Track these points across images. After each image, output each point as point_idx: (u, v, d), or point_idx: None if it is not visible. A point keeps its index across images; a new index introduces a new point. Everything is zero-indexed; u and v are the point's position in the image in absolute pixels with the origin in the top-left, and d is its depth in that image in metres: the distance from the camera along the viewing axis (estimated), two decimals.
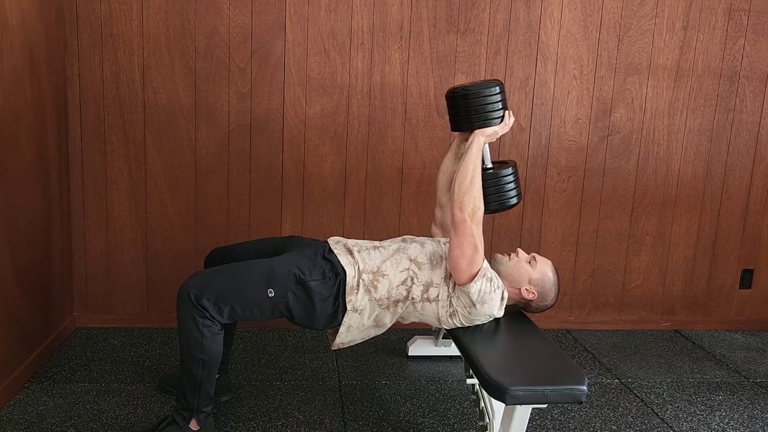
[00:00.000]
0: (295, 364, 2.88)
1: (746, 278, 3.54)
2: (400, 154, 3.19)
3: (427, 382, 2.76)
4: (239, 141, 3.09)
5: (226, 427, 2.33)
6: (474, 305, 2.14)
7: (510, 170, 2.28)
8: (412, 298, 2.20)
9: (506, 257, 2.33)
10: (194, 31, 2.98)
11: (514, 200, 2.29)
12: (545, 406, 2.21)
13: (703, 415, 2.59)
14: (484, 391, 2.20)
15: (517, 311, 2.39)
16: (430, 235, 2.57)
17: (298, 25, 3.03)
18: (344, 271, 2.17)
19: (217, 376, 2.32)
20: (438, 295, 2.20)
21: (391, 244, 2.30)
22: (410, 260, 2.21)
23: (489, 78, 3.17)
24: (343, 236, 3.17)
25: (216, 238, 3.13)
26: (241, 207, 3.15)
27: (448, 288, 2.19)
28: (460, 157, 2.38)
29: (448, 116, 2.34)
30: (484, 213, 2.18)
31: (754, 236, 3.50)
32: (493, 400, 2.07)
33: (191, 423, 2.15)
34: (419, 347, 2.99)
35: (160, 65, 2.99)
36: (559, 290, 2.38)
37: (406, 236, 2.38)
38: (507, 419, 1.99)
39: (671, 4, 3.21)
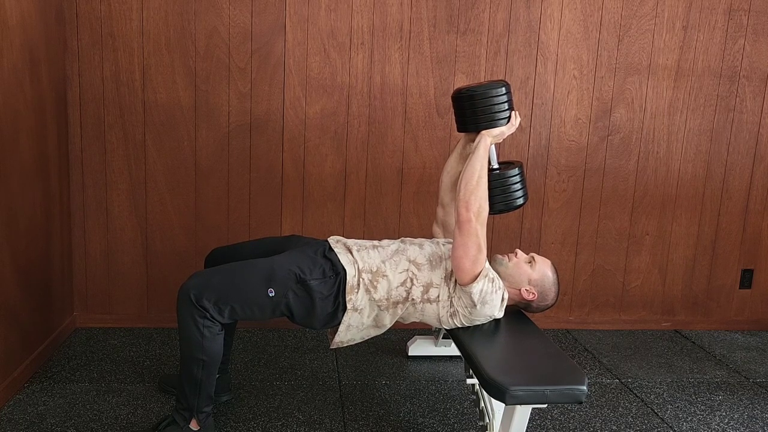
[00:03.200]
0: (295, 364, 2.88)
1: (746, 278, 3.54)
2: (400, 154, 3.19)
3: (427, 382, 2.76)
4: (239, 141, 3.09)
5: (226, 427, 2.33)
6: (475, 305, 2.15)
7: (516, 171, 2.28)
8: (412, 299, 2.20)
9: (506, 258, 2.33)
10: (194, 31, 2.98)
11: (520, 201, 2.29)
12: (545, 406, 2.21)
13: (703, 415, 2.59)
14: (484, 391, 2.20)
15: (517, 311, 2.39)
16: (432, 235, 2.58)
17: (298, 25, 3.03)
18: (344, 270, 2.17)
19: (217, 376, 2.32)
20: (438, 296, 2.20)
21: (390, 245, 2.30)
22: (409, 261, 2.22)
23: (491, 78, 3.17)
24: (342, 236, 3.18)
25: (216, 238, 3.13)
26: (241, 207, 3.15)
27: (449, 288, 2.20)
28: (465, 157, 2.38)
29: (454, 117, 2.34)
30: (491, 214, 2.18)
31: (754, 236, 3.50)
32: (493, 400, 2.07)
33: (191, 423, 2.15)
34: (419, 347, 2.99)
35: (160, 65, 2.99)
36: (559, 290, 2.38)
37: (404, 238, 2.38)
38: (507, 419, 1.99)
39: (671, 4, 3.21)
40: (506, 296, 2.24)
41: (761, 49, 3.30)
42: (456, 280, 2.18)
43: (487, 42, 3.14)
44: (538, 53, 3.19)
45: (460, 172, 2.21)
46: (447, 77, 3.14)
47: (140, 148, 3.05)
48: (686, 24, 3.24)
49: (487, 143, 2.19)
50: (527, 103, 3.22)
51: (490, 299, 2.16)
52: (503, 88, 2.20)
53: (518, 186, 2.28)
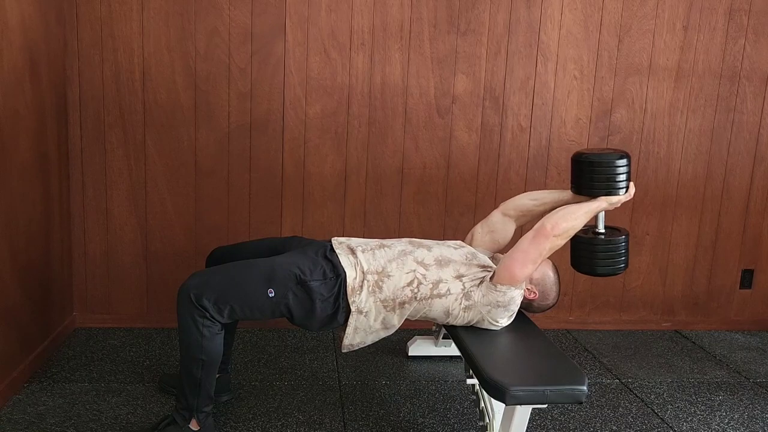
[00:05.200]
0: (295, 364, 2.88)
1: (746, 278, 3.54)
2: (400, 154, 3.19)
3: (427, 382, 2.76)
4: (239, 141, 3.09)
5: (226, 427, 2.33)
6: (498, 306, 2.20)
7: (623, 239, 2.28)
8: (420, 297, 2.20)
9: None
10: (194, 32, 2.98)
11: (622, 266, 2.30)
12: (545, 406, 2.21)
13: (703, 415, 2.59)
14: (484, 391, 2.20)
15: (518, 311, 2.38)
16: (463, 234, 2.59)
17: (298, 26, 3.03)
18: (345, 272, 2.16)
19: (218, 376, 2.32)
20: (449, 290, 2.20)
21: (397, 245, 2.29)
22: (417, 262, 2.21)
23: (492, 76, 3.17)
24: (343, 236, 3.18)
25: (216, 238, 3.13)
26: (241, 207, 3.15)
27: (463, 283, 2.20)
28: (560, 202, 2.36)
29: (570, 177, 2.32)
30: (594, 275, 2.27)
31: (754, 236, 3.50)
32: (493, 400, 2.07)
33: (191, 423, 2.15)
34: (419, 347, 2.99)
35: (160, 65, 2.99)
36: (559, 290, 2.39)
37: (413, 239, 2.37)
38: (507, 419, 1.99)
39: (672, 4, 3.21)
40: (516, 310, 2.29)
41: (761, 49, 3.30)
42: (481, 279, 2.21)
43: (488, 42, 3.14)
44: (539, 53, 3.19)
45: (552, 205, 2.31)
46: (447, 77, 3.14)
47: (140, 148, 3.05)
48: (687, 24, 3.24)
49: (602, 207, 2.21)
50: (527, 104, 3.22)
51: (511, 308, 2.23)
52: (625, 160, 2.20)
53: (623, 252, 2.28)
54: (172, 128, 3.05)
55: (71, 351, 2.88)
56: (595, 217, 2.27)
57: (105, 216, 3.09)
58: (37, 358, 2.68)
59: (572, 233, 2.17)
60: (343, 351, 2.29)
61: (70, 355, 2.84)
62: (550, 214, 2.19)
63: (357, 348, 2.28)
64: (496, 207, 3.24)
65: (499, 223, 2.50)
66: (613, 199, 2.21)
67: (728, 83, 3.32)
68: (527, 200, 2.47)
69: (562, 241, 2.15)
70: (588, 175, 2.21)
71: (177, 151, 3.07)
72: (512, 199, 2.52)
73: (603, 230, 2.30)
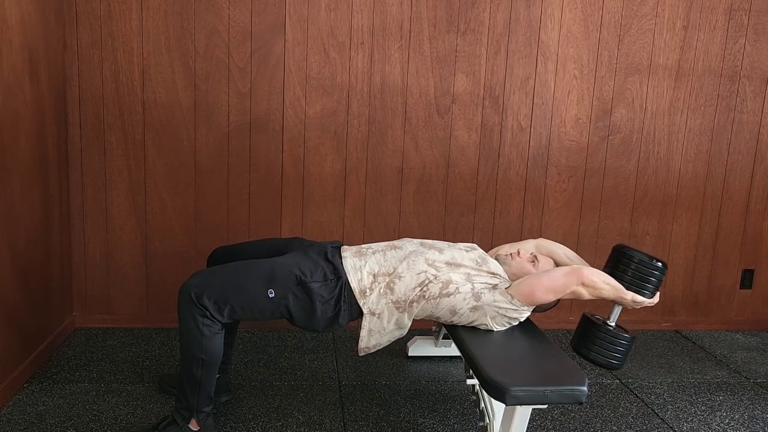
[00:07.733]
0: (295, 364, 2.87)
1: (747, 278, 3.54)
2: (400, 154, 3.19)
3: (427, 382, 2.76)
4: (239, 141, 3.09)
5: (226, 427, 2.33)
6: (504, 316, 2.23)
7: (628, 338, 2.30)
8: (429, 297, 2.20)
9: (509, 257, 2.37)
10: (194, 31, 2.98)
11: (615, 363, 2.32)
12: (545, 406, 2.21)
13: (703, 415, 2.59)
14: (484, 392, 2.20)
15: None
16: (469, 230, 2.57)
17: (297, 25, 3.03)
18: (346, 275, 2.16)
19: (218, 376, 2.31)
20: (458, 289, 2.20)
21: (408, 245, 2.30)
22: (428, 264, 2.22)
23: (492, 76, 3.17)
24: (342, 236, 3.19)
25: (216, 238, 3.13)
26: (241, 207, 3.15)
27: (473, 285, 2.21)
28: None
29: (606, 263, 2.35)
30: (586, 358, 2.30)
31: (754, 236, 3.49)
32: (493, 400, 2.07)
33: (191, 423, 2.15)
34: (419, 347, 2.98)
35: (159, 65, 2.99)
36: None
37: (425, 240, 2.38)
38: (507, 420, 1.99)
39: (672, 3, 3.20)
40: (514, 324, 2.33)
41: (762, 48, 3.30)
42: (494, 285, 2.22)
43: (488, 42, 3.14)
44: (539, 53, 3.18)
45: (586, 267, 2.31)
46: (447, 77, 3.14)
47: (140, 148, 3.05)
48: (687, 24, 3.23)
49: (626, 299, 2.22)
50: (527, 103, 3.22)
51: (513, 323, 2.27)
52: (663, 266, 2.25)
53: (623, 351, 2.30)
54: (172, 128, 3.04)
55: (71, 351, 2.88)
56: (611, 310, 2.31)
57: (105, 216, 3.09)
58: (37, 358, 2.68)
59: (596, 294, 2.19)
60: (360, 354, 2.29)
61: (70, 355, 2.84)
62: (591, 267, 2.24)
63: (373, 350, 2.29)
64: (495, 207, 3.28)
65: (528, 252, 2.52)
66: (638, 297, 2.23)
67: (728, 83, 3.31)
68: (562, 253, 2.51)
69: (585, 291, 2.17)
70: (623, 266, 2.26)
71: (176, 151, 3.07)
72: (551, 242, 2.57)
73: (613, 324, 2.33)
